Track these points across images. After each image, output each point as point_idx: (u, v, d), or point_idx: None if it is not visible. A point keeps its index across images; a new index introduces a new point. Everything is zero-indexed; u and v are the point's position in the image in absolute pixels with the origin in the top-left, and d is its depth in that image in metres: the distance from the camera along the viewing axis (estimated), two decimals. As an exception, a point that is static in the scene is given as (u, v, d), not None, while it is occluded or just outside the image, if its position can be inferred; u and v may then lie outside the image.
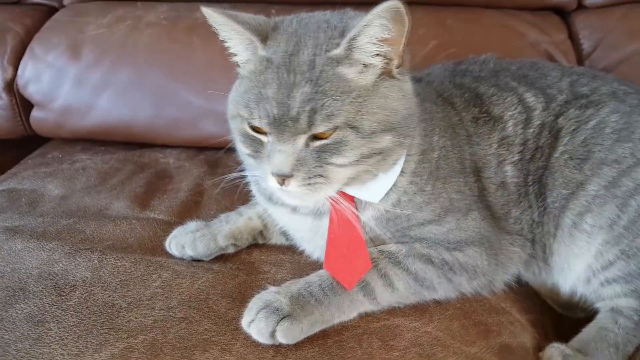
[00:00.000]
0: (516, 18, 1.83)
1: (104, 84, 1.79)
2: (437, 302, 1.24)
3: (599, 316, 1.33)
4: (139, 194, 1.57)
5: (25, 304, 1.17)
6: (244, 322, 1.11)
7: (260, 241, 1.41)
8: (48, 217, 1.46)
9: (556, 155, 1.30)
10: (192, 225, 1.36)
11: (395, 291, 1.19)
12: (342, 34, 1.05)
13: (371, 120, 1.04)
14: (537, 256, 1.35)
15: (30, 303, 1.17)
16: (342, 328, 1.16)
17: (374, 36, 1.02)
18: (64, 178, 1.65)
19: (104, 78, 1.80)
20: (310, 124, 1.02)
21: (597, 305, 1.34)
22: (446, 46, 1.68)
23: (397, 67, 1.08)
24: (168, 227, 1.42)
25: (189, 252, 1.32)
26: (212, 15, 1.07)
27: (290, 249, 1.39)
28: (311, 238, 1.28)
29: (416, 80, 1.38)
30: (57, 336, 1.10)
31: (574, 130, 1.30)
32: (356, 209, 1.19)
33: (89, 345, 1.08)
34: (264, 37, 1.09)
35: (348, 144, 1.03)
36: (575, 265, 1.31)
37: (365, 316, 1.18)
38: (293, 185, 1.05)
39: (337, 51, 1.03)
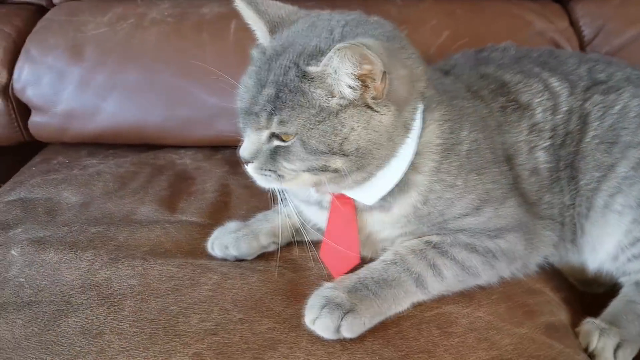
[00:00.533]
0: (521, 7, 1.87)
1: (110, 85, 1.75)
2: (481, 288, 1.27)
3: (624, 290, 1.39)
4: (164, 197, 1.54)
5: (76, 317, 1.15)
6: (308, 320, 1.12)
7: (297, 238, 1.41)
8: (74, 226, 1.42)
9: (587, 139, 1.35)
10: (232, 225, 1.36)
11: (444, 280, 1.22)
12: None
13: (319, 141, 1.06)
14: (565, 238, 1.40)
15: (82, 316, 1.15)
16: (399, 319, 1.18)
17: (345, 70, 1.03)
18: (78, 184, 1.60)
19: (110, 79, 1.75)
20: (268, 123, 1.07)
21: (621, 279, 1.40)
22: (458, 36, 1.71)
23: (374, 99, 1.07)
24: (202, 229, 1.41)
25: (233, 252, 1.32)
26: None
27: (327, 245, 1.40)
28: None
29: (444, 73, 1.42)
30: (121, 347, 1.08)
31: (601, 115, 1.36)
32: (354, 207, 1.24)
33: (156, 354, 1.07)
34: (273, 28, 1.14)
35: (295, 154, 1.08)
36: (607, 243, 1.37)
37: (418, 306, 1.21)
38: (250, 169, 1.15)
39: (312, 69, 1.05)
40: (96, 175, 1.64)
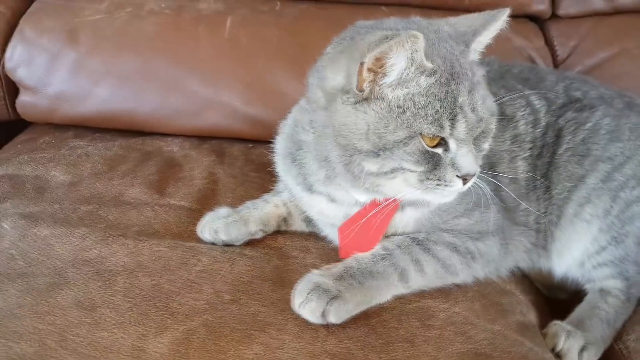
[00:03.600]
0: (502, 23, 1.96)
1: (104, 71, 1.77)
2: (457, 286, 1.34)
3: (589, 296, 1.48)
4: (153, 181, 1.57)
5: (70, 290, 1.17)
6: (295, 303, 1.16)
7: (283, 228, 1.46)
8: (65, 203, 1.44)
9: (560, 152, 1.45)
10: (223, 211, 1.39)
11: (425, 275, 1.28)
12: None
13: None
14: (538, 244, 1.49)
15: (75, 289, 1.17)
16: (381, 310, 1.23)
17: None
18: (67, 164, 1.62)
19: (104, 65, 1.77)
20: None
21: (587, 286, 1.50)
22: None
23: None
24: (191, 213, 1.45)
25: (222, 237, 1.36)
26: None
27: (312, 236, 1.45)
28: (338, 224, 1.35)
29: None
30: (114, 321, 1.11)
31: (573, 130, 1.45)
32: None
33: (149, 329, 1.10)
34: None
35: None
36: (574, 250, 1.46)
37: (398, 299, 1.26)
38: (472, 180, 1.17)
39: None
40: (84, 157, 1.65)
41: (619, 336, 1.42)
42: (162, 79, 1.77)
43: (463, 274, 1.34)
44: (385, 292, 1.25)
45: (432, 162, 1.12)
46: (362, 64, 1.07)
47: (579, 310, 1.46)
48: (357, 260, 1.26)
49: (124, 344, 1.06)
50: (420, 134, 1.10)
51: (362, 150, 1.12)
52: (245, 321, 1.15)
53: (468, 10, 1.37)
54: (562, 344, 1.34)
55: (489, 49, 1.64)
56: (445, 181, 1.14)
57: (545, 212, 1.46)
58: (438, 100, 1.09)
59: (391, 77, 1.09)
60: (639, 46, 1.93)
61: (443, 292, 1.32)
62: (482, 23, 1.22)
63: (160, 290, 1.19)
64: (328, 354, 1.11)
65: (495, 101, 1.21)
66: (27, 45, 1.80)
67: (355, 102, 1.11)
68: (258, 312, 1.17)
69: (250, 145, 1.84)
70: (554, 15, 2.06)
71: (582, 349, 1.35)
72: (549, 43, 2.01)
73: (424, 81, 1.09)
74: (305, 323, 1.16)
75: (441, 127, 1.09)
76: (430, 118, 1.09)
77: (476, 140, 1.17)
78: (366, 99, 1.11)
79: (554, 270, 1.53)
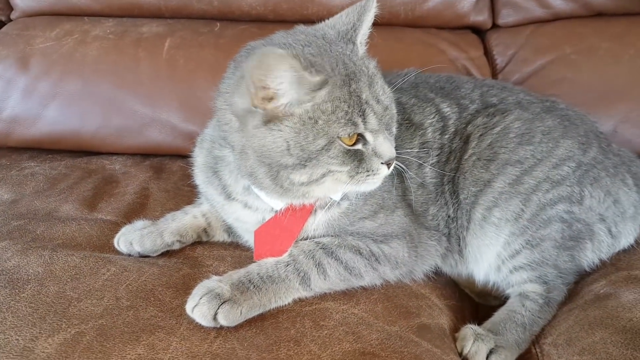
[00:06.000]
0: (437, 37, 2.01)
1: (52, 94, 1.88)
2: (364, 289, 1.37)
3: (509, 301, 1.48)
4: (87, 197, 1.65)
5: (-22, 295, 1.25)
6: (188, 307, 1.21)
7: (204, 238, 1.51)
8: (-1, 219, 1.53)
9: (466, 157, 1.47)
10: (139, 223, 1.46)
11: (327, 278, 1.31)
12: None
13: None
14: (453, 249, 1.51)
15: (-17, 295, 1.25)
16: (278, 312, 1.27)
17: None
18: (13, 184, 1.72)
19: (53, 88, 1.88)
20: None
21: (508, 291, 1.50)
22: (380, 63, 1.83)
23: None
24: (115, 227, 1.51)
25: (137, 248, 1.41)
26: None
27: (232, 245, 1.51)
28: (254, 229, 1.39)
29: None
30: (12, 324, 1.17)
31: (480, 135, 1.47)
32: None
33: (42, 331, 1.16)
34: None
35: None
36: (486, 255, 1.47)
37: (299, 301, 1.30)
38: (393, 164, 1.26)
39: None
40: (30, 176, 1.75)
41: (536, 339, 1.42)
42: (104, 100, 1.87)
43: (368, 277, 1.37)
44: (285, 296, 1.29)
45: (357, 158, 1.20)
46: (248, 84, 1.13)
47: (497, 314, 1.46)
48: (259, 266, 1.30)
49: (16, 345, 1.13)
50: (338, 137, 1.15)
51: (288, 165, 1.17)
52: (137, 325, 1.20)
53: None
54: (469, 347, 1.35)
55: (416, 63, 1.70)
56: (373, 171, 1.22)
57: (456, 217, 1.48)
58: (344, 101, 1.16)
59: (284, 96, 1.13)
60: (577, 52, 1.94)
61: (347, 295, 1.35)
62: (357, 17, 1.28)
63: (63, 297, 1.25)
64: (211, 354, 1.15)
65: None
66: (-16, 73, 1.92)
67: (265, 123, 1.16)
68: (153, 317, 1.23)
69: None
70: (495, 26, 2.09)
71: (491, 352, 1.36)
72: (488, 52, 2.04)
73: (323, 91, 1.14)
74: (199, 326, 1.21)
75: (355, 124, 1.16)
76: (343, 120, 1.15)
77: (387, 127, 1.24)
78: (276, 118, 1.15)
79: (474, 275, 1.54)
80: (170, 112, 1.86)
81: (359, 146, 1.19)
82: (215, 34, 1.95)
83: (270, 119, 1.15)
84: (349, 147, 1.18)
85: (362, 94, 1.18)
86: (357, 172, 1.20)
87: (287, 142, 1.15)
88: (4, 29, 2.05)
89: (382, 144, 1.21)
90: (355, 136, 1.18)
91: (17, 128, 1.90)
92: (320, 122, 1.15)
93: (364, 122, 1.17)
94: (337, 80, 1.15)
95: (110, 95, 1.87)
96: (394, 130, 1.29)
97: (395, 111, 1.27)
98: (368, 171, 1.21)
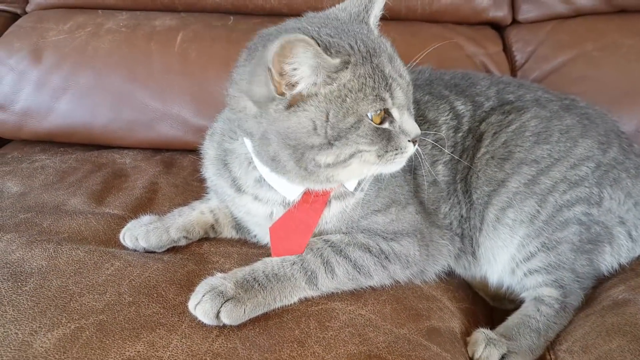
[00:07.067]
0: (455, 32, 1.96)
1: (64, 87, 1.87)
2: (373, 289, 1.33)
3: (524, 305, 1.44)
4: (95, 191, 1.64)
5: (-21, 288, 1.24)
6: (191, 305, 1.19)
7: (212, 235, 1.49)
8: (7, 212, 1.52)
9: (478, 155, 1.43)
10: (145, 218, 1.44)
11: (335, 277, 1.28)
12: None
13: None
14: (466, 250, 1.46)
15: (-15, 287, 1.24)
16: (283, 311, 1.24)
17: None
18: (22, 176, 1.71)
19: (64, 82, 1.87)
20: None
21: (523, 295, 1.45)
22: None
23: None
24: (122, 221, 1.49)
25: (142, 244, 1.39)
26: None
27: (239, 242, 1.48)
28: (265, 224, 1.36)
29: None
30: (12, 318, 1.16)
31: (494, 133, 1.43)
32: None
33: (42, 325, 1.15)
34: None
35: None
36: (500, 257, 1.43)
37: (305, 301, 1.27)
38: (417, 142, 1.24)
39: None
40: (40, 169, 1.75)
41: (551, 345, 1.37)
42: (115, 93, 1.85)
43: (378, 276, 1.33)
44: (291, 295, 1.26)
45: (385, 137, 1.17)
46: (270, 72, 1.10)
47: (510, 319, 1.42)
48: (264, 264, 1.27)
49: (15, 339, 1.12)
50: (367, 115, 1.14)
51: (315, 145, 1.14)
52: (138, 321, 1.18)
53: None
54: (480, 351, 1.31)
55: (433, 59, 1.67)
56: (401, 149, 1.20)
57: (468, 217, 1.43)
58: (369, 77, 1.13)
59: (308, 79, 1.11)
60: (599, 49, 1.88)
61: (355, 295, 1.32)
62: None
63: (65, 291, 1.24)
64: (212, 354, 1.12)
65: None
66: (-1, 66, 1.92)
67: (289, 106, 1.13)
68: (155, 313, 1.20)
69: (203, 156, 1.88)
70: (514, 22, 2.04)
71: (503, 358, 1.32)
72: (507, 49, 1.99)
73: (347, 70, 1.12)
74: (201, 325, 1.18)
75: (383, 99, 1.14)
76: (371, 96, 1.13)
77: (408, 105, 1.22)
78: (301, 99, 1.13)
79: (488, 278, 1.50)
80: (182, 106, 1.84)
81: (386, 124, 1.17)
82: (229, 28, 1.92)
83: (294, 101, 1.13)
84: (377, 126, 1.15)
85: (385, 69, 1.15)
86: (386, 151, 1.18)
87: (314, 121, 1.13)
88: (19, 21, 2.05)
89: (407, 121, 1.20)
90: (382, 113, 1.16)
91: (30, 121, 1.90)
92: (348, 100, 1.12)
93: (392, 96, 1.15)
94: (358, 58, 1.13)
95: (121, 88, 1.85)
96: (412, 109, 1.26)
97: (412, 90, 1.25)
98: (396, 149, 1.19)
